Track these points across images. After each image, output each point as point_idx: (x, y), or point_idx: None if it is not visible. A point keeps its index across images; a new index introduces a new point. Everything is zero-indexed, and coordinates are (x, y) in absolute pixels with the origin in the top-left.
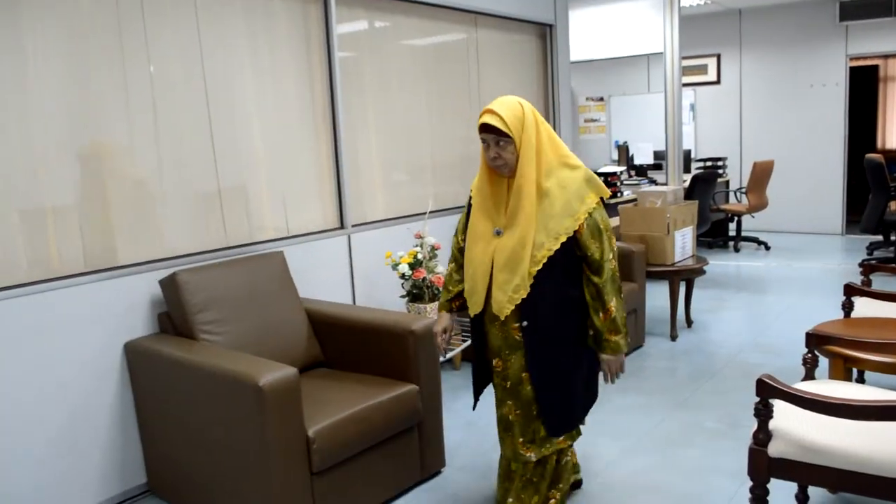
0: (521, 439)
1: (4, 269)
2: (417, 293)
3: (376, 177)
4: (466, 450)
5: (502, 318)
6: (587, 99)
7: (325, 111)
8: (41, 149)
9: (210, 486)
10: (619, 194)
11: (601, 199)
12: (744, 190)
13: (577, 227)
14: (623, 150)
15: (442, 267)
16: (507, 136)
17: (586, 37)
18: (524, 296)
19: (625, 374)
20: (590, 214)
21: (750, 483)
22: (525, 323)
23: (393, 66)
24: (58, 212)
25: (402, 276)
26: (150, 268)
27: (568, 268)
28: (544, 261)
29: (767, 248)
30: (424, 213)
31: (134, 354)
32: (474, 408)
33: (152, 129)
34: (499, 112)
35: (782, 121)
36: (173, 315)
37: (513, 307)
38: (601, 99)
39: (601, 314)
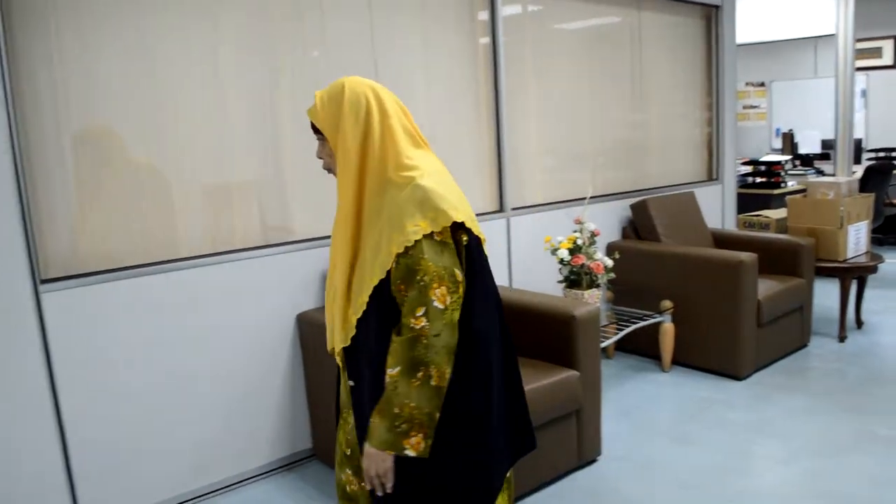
0: None
1: (195, 241)
2: (575, 279)
3: (535, 161)
4: (621, 440)
5: (341, 366)
6: (747, 84)
7: (489, 95)
8: (229, 134)
9: None
10: (782, 184)
11: (456, 230)
12: None
13: (390, 267)
14: (787, 138)
15: (601, 254)
16: (320, 132)
17: (748, 18)
18: (339, 350)
19: (777, 378)
20: (406, 250)
21: None
22: (352, 383)
23: (554, 49)
24: (242, 189)
25: (561, 261)
26: (320, 244)
27: (391, 321)
28: (364, 307)
29: None
30: (582, 199)
31: (305, 325)
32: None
33: None
34: (316, 99)
35: None
36: None
37: (340, 358)
38: (762, 84)
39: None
